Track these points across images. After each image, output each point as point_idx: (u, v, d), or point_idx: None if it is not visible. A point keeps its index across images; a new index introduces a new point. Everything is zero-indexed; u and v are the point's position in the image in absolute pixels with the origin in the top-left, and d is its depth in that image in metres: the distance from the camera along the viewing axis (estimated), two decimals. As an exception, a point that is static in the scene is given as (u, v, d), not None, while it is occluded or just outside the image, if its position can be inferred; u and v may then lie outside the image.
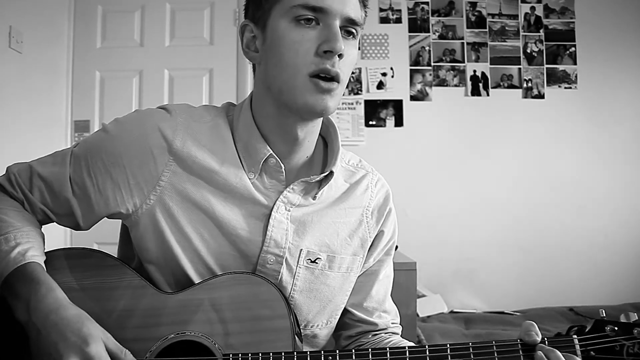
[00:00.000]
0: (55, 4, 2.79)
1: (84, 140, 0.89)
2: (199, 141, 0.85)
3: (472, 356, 0.74)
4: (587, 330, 0.75)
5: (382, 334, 0.98)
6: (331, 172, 0.88)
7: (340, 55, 0.78)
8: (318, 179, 0.87)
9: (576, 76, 2.94)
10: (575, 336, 0.74)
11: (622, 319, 0.74)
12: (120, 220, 0.90)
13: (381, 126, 2.92)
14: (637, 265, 2.85)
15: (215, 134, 0.87)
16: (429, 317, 2.54)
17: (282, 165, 0.85)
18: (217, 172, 0.84)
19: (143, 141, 0.84)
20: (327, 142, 0.94)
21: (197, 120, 0.87)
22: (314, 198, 0.89)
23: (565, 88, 2.94)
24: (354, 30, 0.81)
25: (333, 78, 0.79)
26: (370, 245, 0.96)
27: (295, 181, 0.87)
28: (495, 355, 0.74)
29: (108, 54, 2.93)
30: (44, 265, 0.80)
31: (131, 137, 0.84)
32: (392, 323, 1.01)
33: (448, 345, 0.75)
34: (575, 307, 2.58)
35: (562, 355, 0.72)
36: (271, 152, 0.84)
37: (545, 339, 0.74)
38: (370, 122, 2.92)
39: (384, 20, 2.96)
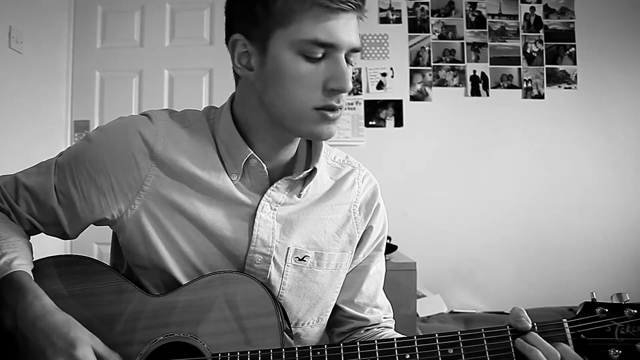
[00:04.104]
0: (55, 4, 2.79)
1: (67, 150, 0.89)
2: (180, 145, 0.85)
3: (460, 344, 0.73)
4: (577, 313, 0.73)
5: (374, 329, 0.98)
6: (314, 169, 0.88)
7: None
8: (301, 176, 0.87)
9: (576, 76, 2.94)
10: (564, 320, 0.73)
11: (614, 300, 0.72)
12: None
13: (381, 126, 2.92)
14: (637, 265, 2.85)
15: (197, 138, 0.87)
16: (428, 317, 2.54)
17: (265, 165, 0.86)
18: (199, 176, 0.85)
19: (125, 147, 0.84)
20: (311, 140, 0.94)
21: (178, 125, 0.88)
22: (299, 196, 0.89)
23: (565, 88, 2.94)
24: (353, 57, 0.80)
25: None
26: (359, 241, 0.96)
27: (279, 180, 0.87)
28: (485, 342, 0.73)
29: (108, 54, 2.93)
30: (31, 274, 0.81)
31: (113, 144, 0.84)
32: (384, 318, 1.00)
33: (437, 334, 0.74)
34: (575, 307, 2.56)
35: (548, 342, 0.70)
36: (252, 152, 0.84)
37: (535, 324, 0.73)
38: (370, 123, 2.92)
39: (383, 20, 2.96)
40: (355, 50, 0.79)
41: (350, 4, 0.75)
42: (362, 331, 0.98)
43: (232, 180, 0.86)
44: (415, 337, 0.75)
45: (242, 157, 0.85)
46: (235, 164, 0.85)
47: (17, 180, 0.87)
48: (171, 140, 0.86)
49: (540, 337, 0.71)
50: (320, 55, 0.76)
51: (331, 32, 0.75)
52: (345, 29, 0.76)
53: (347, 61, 0.79)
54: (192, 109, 0.94)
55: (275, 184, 0.87)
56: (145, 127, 0.86)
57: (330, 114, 0.79)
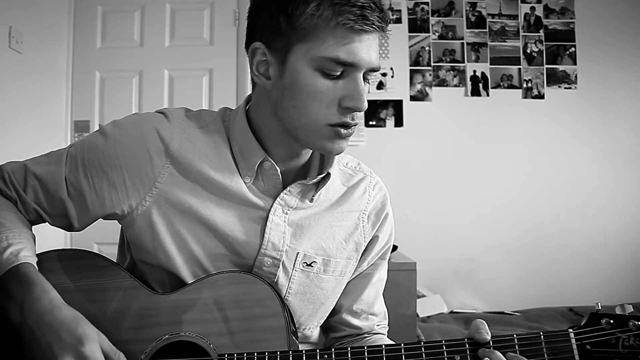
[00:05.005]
0: (55, 4, 2.79)
1: (80, 141, 0.88)
2: (195, 145, 0.85)
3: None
4: (582, 323, 0.74)
5: (366, 336, 0.99)
6: (328, 174, 0.88)
7: None
8: (315, 181, 0.87)
9: (576, 76, 2.94)
10: (570, 330, 0.74)
11: (618, 311, 0.73)
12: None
13: (381, 126, 2.92)
14: (637, 265, 2.84)
15: (212, 139, 0.87)
16: (428, 317, 2.54)
17: (278, 168, 0.85)
18: (212, 176, 0.84)
19: (141, 143, 0.84)
20: None
21: (194, 125, 0.87)
22: (311, 200, 0.89)
23: (565, 88, 2.94)
24: (370, 75, 0.81)
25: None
26: (365, 249, 0.96)
27: (292, 184, 0.87)
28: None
29: (108, 54, 2.93)
30: (36, 266, 0.80)
31: (129, 139, 0.84)
32: (378, 325, 1.01)
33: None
34: (575, 307, 2.58)
35: (508, 356, 0.71)
36: (266, 155, 0.84)
37: (542, 334, 0.74)
38: (370, 123, 2.91)
39: (384, 20, 2.95)
40: (373, 70, 0.79)
41: (374, 26, 0.75)
42: (354, 337, 0.99)
43: (245, 182, 0.86)
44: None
45: (256, 160, 0.85)
46: (249, 166, 0.85)
47: (26, 168, 0.86)
48: (187, 139, 0.85)
49: (502, 357, 0.71)
50: (338, 73, 0.77)
51: (352, 52, 0.75)
52: (367, 49, 0.76)
53: (364, 79, 0.79)
54: (207, 109, 0.93)
55: (288, 188, 0.86)
56: (162, 125, 0.85)
57: (343, 131, 0.79)
